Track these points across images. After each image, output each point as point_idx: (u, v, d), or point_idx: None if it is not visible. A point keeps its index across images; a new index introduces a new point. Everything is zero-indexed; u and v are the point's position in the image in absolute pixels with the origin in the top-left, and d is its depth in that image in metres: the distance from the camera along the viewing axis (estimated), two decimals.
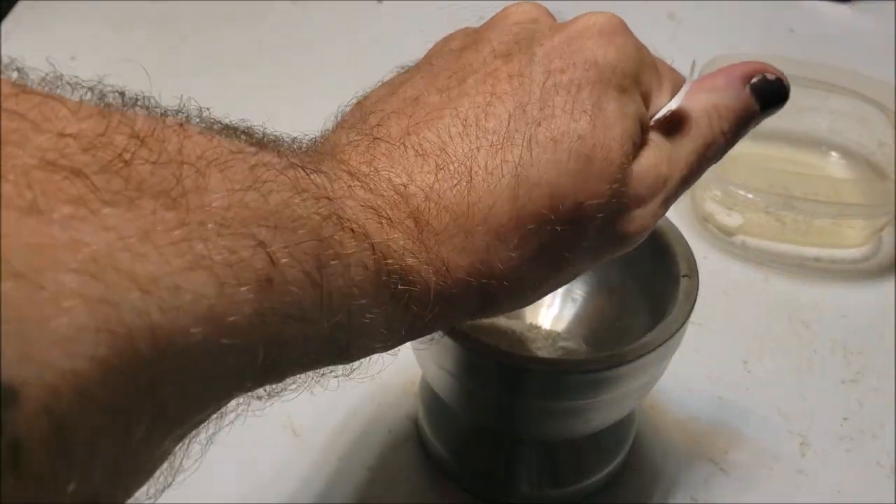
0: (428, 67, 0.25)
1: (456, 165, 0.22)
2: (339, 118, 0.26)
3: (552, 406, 0.30)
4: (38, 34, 0.63)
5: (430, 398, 0.37)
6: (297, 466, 0.37)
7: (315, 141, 0.24)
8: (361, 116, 0.24)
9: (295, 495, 0.36)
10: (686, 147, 0.25)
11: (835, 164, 0.54)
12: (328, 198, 0.19)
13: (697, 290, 0.31)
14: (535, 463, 0.36)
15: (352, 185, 0.20)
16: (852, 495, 0.37)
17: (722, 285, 0.46)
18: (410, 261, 0.20)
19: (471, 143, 0.22)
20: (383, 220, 0.20)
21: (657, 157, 0.24)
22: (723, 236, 0.49)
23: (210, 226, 0.15)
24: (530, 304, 0.25)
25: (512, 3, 0.27)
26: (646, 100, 0.25)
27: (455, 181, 0.22)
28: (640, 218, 0.24)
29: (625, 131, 0.23)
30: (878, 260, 0.49)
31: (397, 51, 0.66)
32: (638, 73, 0.24)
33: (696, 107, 0.26)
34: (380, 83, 0.26)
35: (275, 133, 0.22)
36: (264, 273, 0.16)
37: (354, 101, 0.26)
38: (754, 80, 0.27)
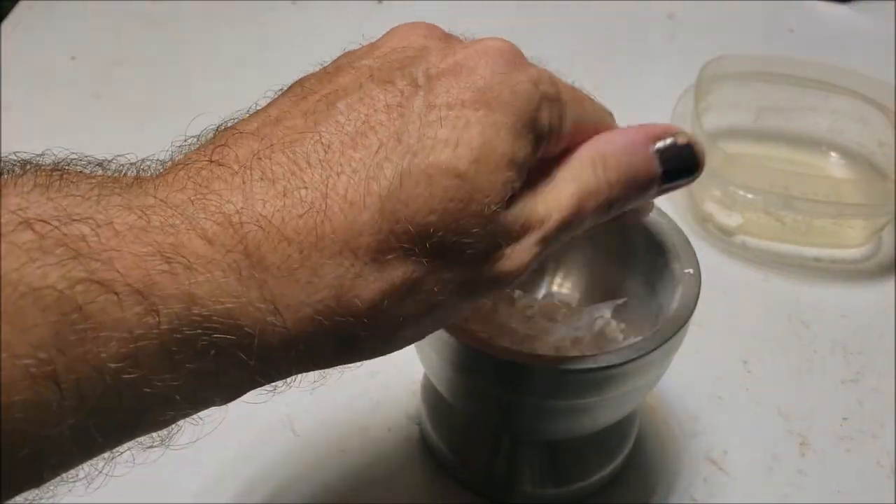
0: (299, 88, 0.23)
1: (308, 192, 0.20)
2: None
3: (553, 405, 0.30)
4: (37, 35, 0.63)
5: (432, 396, 0.37)
6: (297, 466, 0.37)
7: (147, 166, 0.21)
8: (216, 136, 0.22)
9: (295, 495, 0.36)
10: (566, 189, 0.23)
11: (835, 164, 0.54)
12: (76, 256, 0.16)
13: (700, 287, 0.31)
14: (537, 462, 0.36)
15: (141, 225, 0.18)
16: (852, 495, 0.37)
17: (722, 285, 0.46)
18: (230, 304, 0.18)
19: (331, 169, 0.20)
20: (179, 265, 0.17)
21: (534, 197, 0.23)
22: (723, 236, 0.49)
23: None
24: (399, 348, 0.23)
25: (403, 23, 0.26)
26: (540, 139, 0.23)
27: (304, 209, 0.19)
28: (513, 257, 0.22)
29: (507, 178, 0.21)
30: (878, 260, 0.49)
31: None
32: (533, 112, 0.22)
33: (584, 153, 0.24)
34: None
35: (92, 159, 0.20)
36: None
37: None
38: (661, 143, 0.25)
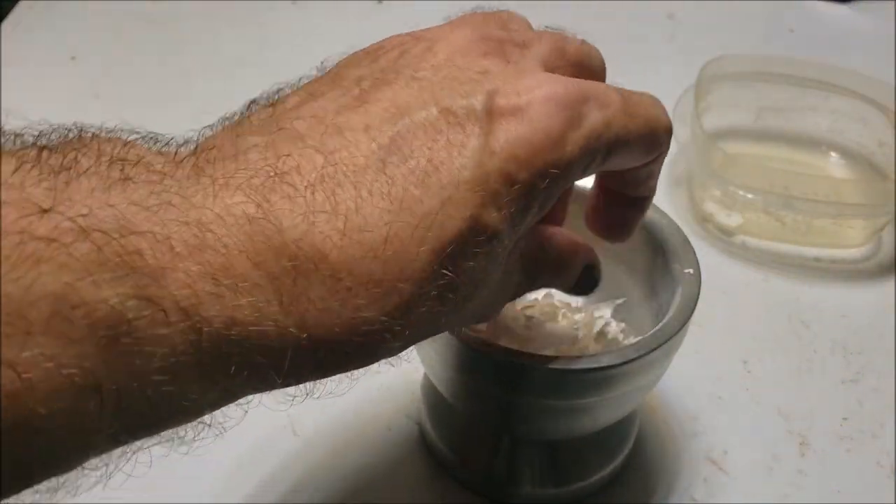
0: (356, 88, 0.23)
1: (371, 235, 0.20)
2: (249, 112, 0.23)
3: (553, 405, 0.30)
4: (37, 35, 0.63)
5: (432, 396, 0.37)
6: (297, 466, 0.37)
7: (205, 145, 0.21)
8: (271, 119, 0.22)
9: (295, 495, 0.36)
10: None
11: (835, 164, 0.54)
12: (131, 272, 0.16)
13: (700, 287, 0.31)
14: (537, 462, 0.36)
15: (196, 244, 0.18)
16: (852, 495, 0.37)
17: (722, 285, 0.46)
18: (269, 329, 0.18)
19: (394, 213, 0.20)
20: (226, 287, 0.18)
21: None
22: (722, 236, 0.49)
23: None
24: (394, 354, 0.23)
25: (456, 17, 0.26)
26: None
27: (363, 251, 0.20)
28: None
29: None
30: (878, 260, 0.49)
31: None
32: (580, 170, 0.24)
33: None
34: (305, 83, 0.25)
35: (154, 135, 0.20)
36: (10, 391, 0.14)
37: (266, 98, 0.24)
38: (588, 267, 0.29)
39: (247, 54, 0.62)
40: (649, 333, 0.29)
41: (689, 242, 0.32)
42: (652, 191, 0.28)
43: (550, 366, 0.28)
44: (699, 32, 0.66)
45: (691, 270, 0.31)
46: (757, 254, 0.48)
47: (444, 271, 0.21)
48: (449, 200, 0.21)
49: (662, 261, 0.32)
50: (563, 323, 0.35)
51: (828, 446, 0.39)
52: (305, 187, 0.20)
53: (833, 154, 0.54)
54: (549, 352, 0.32)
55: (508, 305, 0.35)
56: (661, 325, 0.29)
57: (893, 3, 0.68)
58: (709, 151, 0.47)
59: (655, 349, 0.28)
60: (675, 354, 0.30)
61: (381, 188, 0.20)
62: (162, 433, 0.19)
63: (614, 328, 0.34)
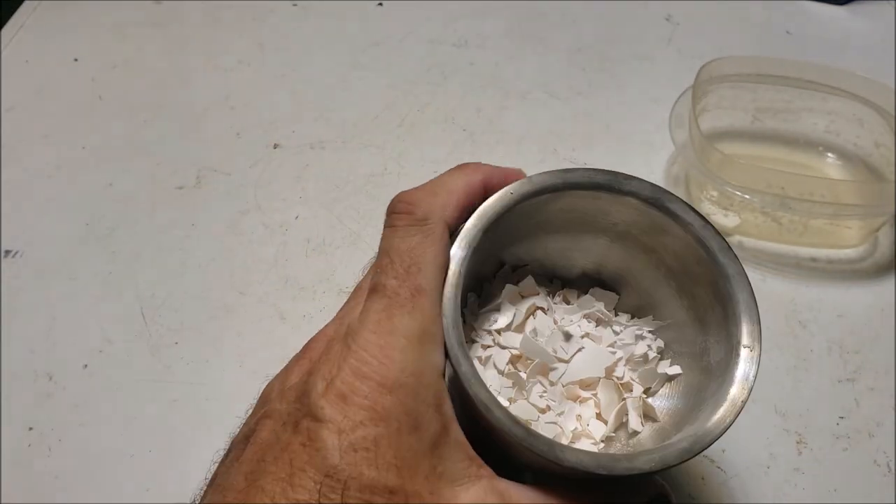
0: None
1: None
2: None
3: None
4: (40, 36, 0.63)
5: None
6: None
7: None
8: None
9: None
10: None
11: (832, 165, 0.54)
12: None
13: (757, 369, 0.28)
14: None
15: None
16: (849, 493, 0.37)
17: None
18: None
19: None
20: None
21: None
22: None
23: None
24: None
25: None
26: None
27: None
28: None
29: None
30: (875, 260, 0.49)
31: (397, 52, 0.66)
32: None
33: None
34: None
35: None
36: None
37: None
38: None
39: (247, 55, 0.62)
40: (692, 434, 0.27)
41: (755, 306, 0.29)
42: None
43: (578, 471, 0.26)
44: (697, 34, 0.66)
45: (752, 343, 0.28)
46: (754, 254, 0.49)
47: None
48: None
49: (721, 312, 0.29)
50: (601, 334, 0.33)
51: (825, 445, 0.39)
52: None
53: (830, 155, 0.54)
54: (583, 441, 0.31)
55: (543, 320, 0.33)
56: (694, 436, 0.27)
57: (893, 3, 0.69)
58: (706, 152, 0.48)
59: (677, 464, 0.26)
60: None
61: None
62: None
63: (655, 357, 0.33)
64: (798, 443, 0.39)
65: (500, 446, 0.27)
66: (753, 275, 0.48)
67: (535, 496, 0.26)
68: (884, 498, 0.37)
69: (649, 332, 0.33)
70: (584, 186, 0.30)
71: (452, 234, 0.28)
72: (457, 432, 0.26)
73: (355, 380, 0.24)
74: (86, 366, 0.42)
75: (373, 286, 0.26)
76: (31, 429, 0.40)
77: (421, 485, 0.24)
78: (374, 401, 0.24)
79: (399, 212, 0.27)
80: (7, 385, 0.42)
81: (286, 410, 0.25)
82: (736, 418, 0.27)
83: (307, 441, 0.23)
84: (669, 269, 0.32)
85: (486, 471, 0.26)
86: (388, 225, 0.28)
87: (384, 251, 0.27)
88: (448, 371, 0.27)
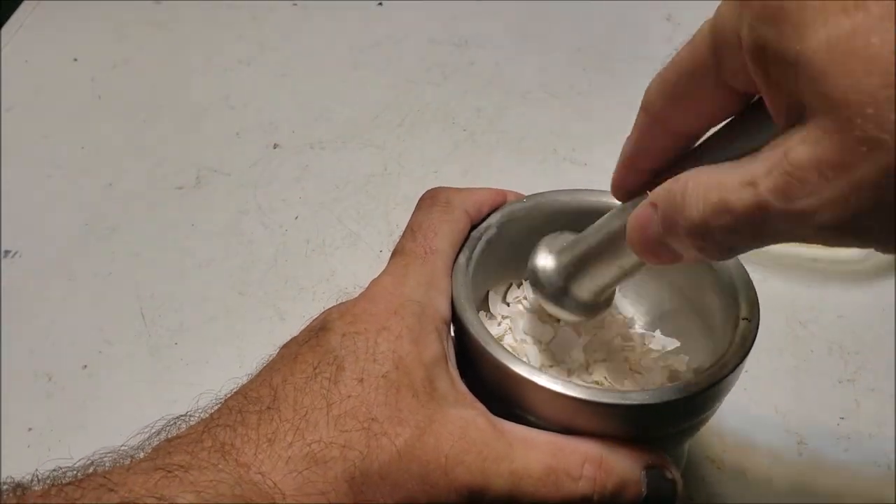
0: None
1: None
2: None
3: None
4: (39, 36, 0.63)
5: None
6: None
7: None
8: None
9: None
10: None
11: None
12: None
13: (755, 335, 0.29)
14: None
15: None
16: (850, 495, 0.37)
17: None
18: None
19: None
20: None
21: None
22: None
23: None
24: None
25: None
26: None
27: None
28: None
29: None
30: (876, 261, 0.49)
31: (397, 52, 0.66)
32: None
33: (582, 448, 0.27)
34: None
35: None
36: None
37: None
38: (648, 469, 0.27)
39: (247, 55, 0.62)
40: (697, 376, 0.28)
41: (754, 287, 0.31)
42: None
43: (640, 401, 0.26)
44: None
45: (751, 315, 0.30)
46: (755, 254, 0.48)
47: None
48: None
49: (725, 299, 0.31)
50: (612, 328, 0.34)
51: (825, 446, 0.39)
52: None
53: None
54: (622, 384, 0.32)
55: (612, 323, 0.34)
56: (711, 367, 0.28)
57: None
58: None
59: (704, 390, 0.27)
60: (722, 400, 0.30)
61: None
62: None
63: (658, 341, 0.34)
64: (799, 443, 0.39)
65: (499, 397, 0.28)
66: (754, 275, 0.47)
67: (528, 431, 0.27)
68: (884, 499, 0.37)
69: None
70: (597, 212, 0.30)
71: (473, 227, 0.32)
72: (454, 371, 0.28)
73: (368, 304, 0.27)
74: (85, 366, 0.42)
75: (394, 251, 0.30)
76: (30, 429, 0.40)
77: (416, 381, 0.26)
78: (380, 317, 0.27)
79: (426, 198, 0.32)
80: (7, 385, 0.42)
81: (306, 335, 0.28)
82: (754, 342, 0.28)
83: (315, 344, 0.27)
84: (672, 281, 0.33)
85: (480, 406, 0.27)
86: (416, 209, 0.31)
87: (409, 227, 0.31)
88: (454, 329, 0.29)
